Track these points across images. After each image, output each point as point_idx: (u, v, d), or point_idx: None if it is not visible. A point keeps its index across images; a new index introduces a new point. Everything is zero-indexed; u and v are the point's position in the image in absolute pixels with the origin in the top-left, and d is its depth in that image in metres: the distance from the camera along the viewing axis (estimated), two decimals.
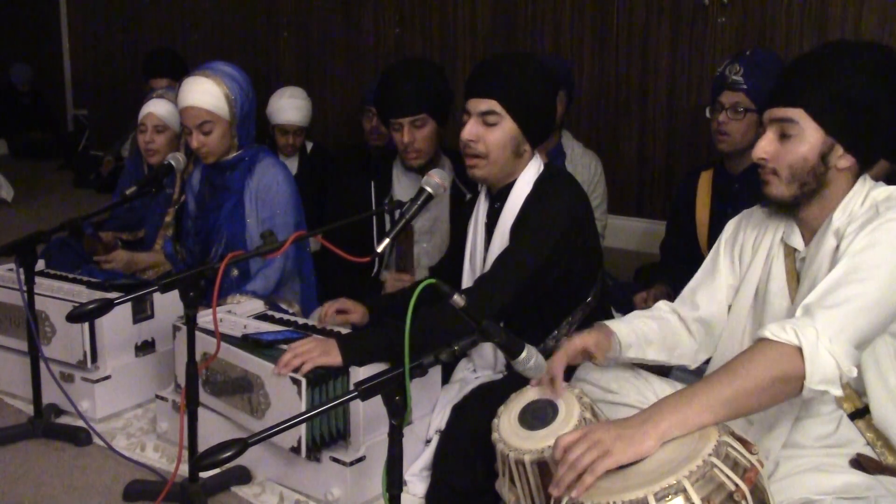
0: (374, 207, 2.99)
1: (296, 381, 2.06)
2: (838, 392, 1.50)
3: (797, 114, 1.67)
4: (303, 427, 2.06)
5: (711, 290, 1.95)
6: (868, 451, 1.68)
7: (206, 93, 2.82)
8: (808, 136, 1.67)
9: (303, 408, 2.03)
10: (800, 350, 1.48)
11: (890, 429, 1.67)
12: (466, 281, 2.38)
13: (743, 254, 1.91)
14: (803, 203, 1.73)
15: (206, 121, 2.82)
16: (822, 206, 1.72)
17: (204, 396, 2.33)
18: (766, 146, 1.71)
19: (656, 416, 1.46)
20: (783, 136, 1.69)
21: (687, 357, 1.98)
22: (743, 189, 2.82)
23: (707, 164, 3.07)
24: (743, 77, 2.74)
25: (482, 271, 2.30)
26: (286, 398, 2.09)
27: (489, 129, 2.22)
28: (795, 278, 1.77)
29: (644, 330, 1.93)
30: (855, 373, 1.51)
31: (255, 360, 2.18)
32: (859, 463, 1.64)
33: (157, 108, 3.35)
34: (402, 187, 3.00)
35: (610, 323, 1.94)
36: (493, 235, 2.30)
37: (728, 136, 2.79)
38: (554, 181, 2.28)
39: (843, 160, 1.68)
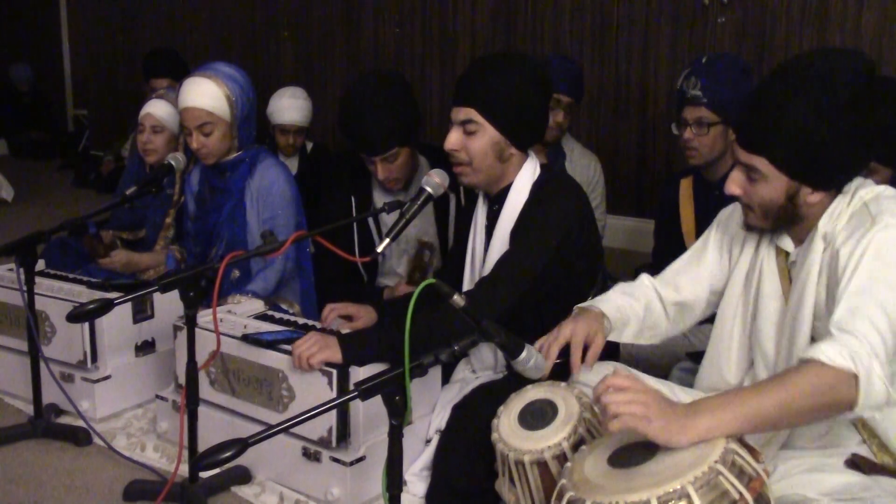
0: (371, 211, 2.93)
1: (326, 373, 2.08)
2: (879, 416, 1.50)
3: (760, 162, 1.66)
4: (334, 416, 2.08)
5: (696, 273, 1.97)
6: (863, 450, 1.68)
7: (206, 94, 2.81)
8: (773, 181, 1.67)
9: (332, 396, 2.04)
10: (855, 377, 1.44)
11: (882, 428, 1.66)
12: (467, 284, 2.38)
13: (733, 247, 1.92)
14: (783, 228, 1.74)
15: (206, 122, 2.82)
16: (805, 223, 1.72)
17: (213, 394, 2.33)
18: (736, 184, 1.72)
19: (698, 414, 1.44)
20: (750, 178, 1.70)
21: (657, 336, 2.01)
22: (724, 195, 2.79)
23: (685, 171, 3.03)
24: (702, 91, 2.68)
25: (482, 274, 2.30)
26: (314, 389, 2.11)
27: (470, 138, 2.21)
28: (788, 279, 1.78)
29: (627, 312, 1.94)
30: None
31: (275, 355, 2.20)
32: (855, 463, 1.64)
33: (155, 108, 3.36)
34: (383, 200, 2.96)
35: (601, 304, 1.94)
36: (493, 238, 2.29)
37: (696, 150, 2.75)
38: (552, 184, 2.27)
39: (812, 196, 1.67)
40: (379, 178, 2.77)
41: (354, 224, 2.88)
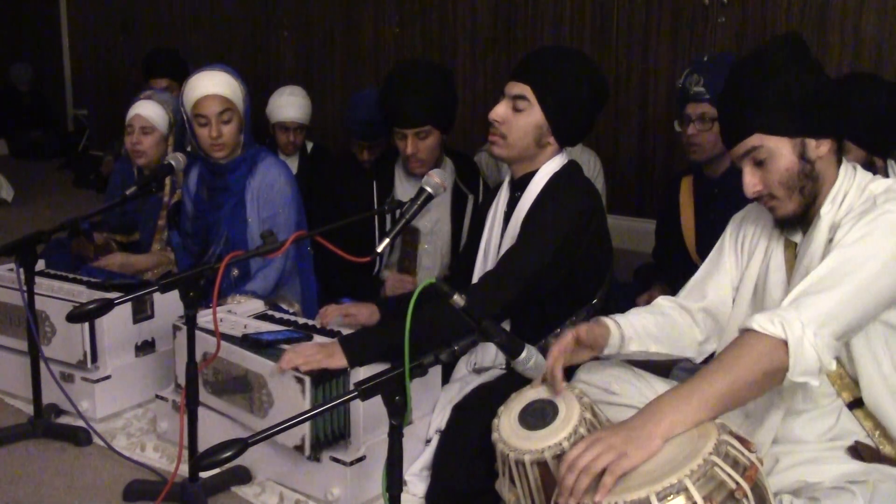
0: (376, 208, 2.99)
1: (299, 380, 2.06)
2: (816, 383, 1.55)
3: (758, 140, 1.69)
4: (307, 426, 2.06)
5: (717, 280, 1.97)
6: (868, 442, 1.69)
7: (224, 82, 2.84)
8: (779, 150, 1.69)
9: (306, 406, 2.03)
10: (785, 343, 1.52)
11: (886, 417, 1.68)
12: (479, 268, 2.40)
13: (744, 248, 1.93)
14: (812, 206, 1.73)
15: (227, 108, 2.83)
16: (824, 186, 1.73)
17: (205, 396, 2.33)
18: (752, 181, 1.73)
19: (657, 414, 1.47)
20: (758, 164, 1.71)
21: (691, 349, 1.97)
22: (723, 193, 2.81)
23: (686, 169, 3.07)
24: (704, 87, 2.74)
25: (495, 260, 2.31)
26: (289, 397, 2.09)
27: (517, 115, 2.24)
28: (794, 269, 1.79)
29: (644, 324, 1.92)
30: (834, 365, 1.57)
31: (258, 359, 2.18)
32: (857, 451, 1.66)
33: (144, 109, 3.33)
34: (405, 189, 3.00)
35: (607, 318, 1.93)
36: (509, 224, 2.32)
37: (699, 146, 2.79)
38: (566, 180, 2.29)
39: (820, 147, 1.70)
40: (406, 152, 2.83)
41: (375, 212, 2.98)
